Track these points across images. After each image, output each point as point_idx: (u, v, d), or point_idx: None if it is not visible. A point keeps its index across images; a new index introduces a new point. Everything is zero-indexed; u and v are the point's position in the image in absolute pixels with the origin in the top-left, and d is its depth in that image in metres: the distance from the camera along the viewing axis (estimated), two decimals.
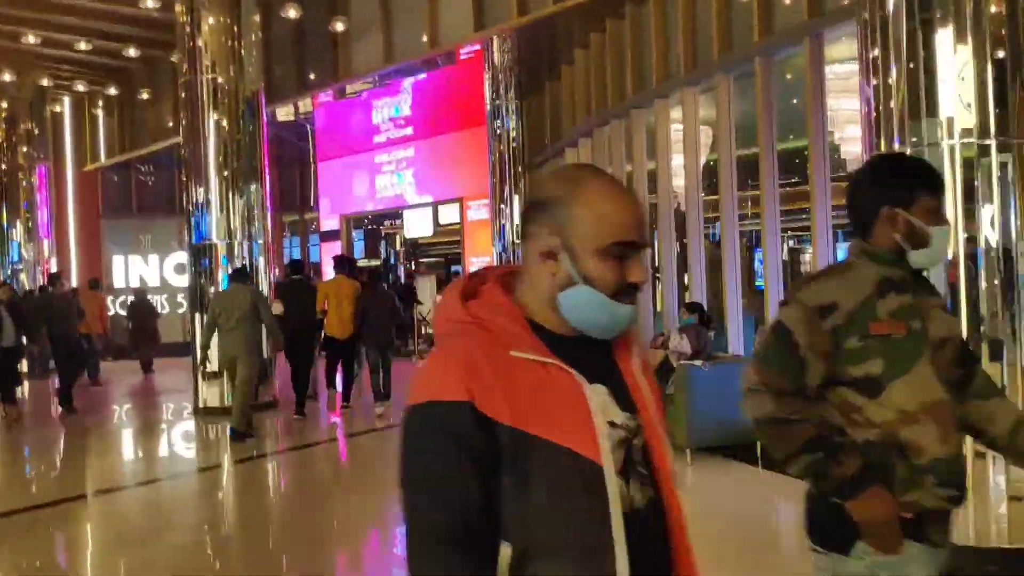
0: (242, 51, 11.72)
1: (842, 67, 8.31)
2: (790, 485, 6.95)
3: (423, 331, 18.01)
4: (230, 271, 10.45)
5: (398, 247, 22.84)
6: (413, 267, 22.54)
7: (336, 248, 19.98)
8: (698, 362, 7.52)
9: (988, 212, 4.63)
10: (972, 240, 4.65)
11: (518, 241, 14.61)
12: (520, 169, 14.68)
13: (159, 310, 18.12)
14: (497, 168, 14.92)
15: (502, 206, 14.77)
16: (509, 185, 14.67)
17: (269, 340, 9.63)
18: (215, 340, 9.04)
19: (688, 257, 9.44)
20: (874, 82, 5.01)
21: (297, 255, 21.75)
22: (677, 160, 10.84)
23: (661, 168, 9.82)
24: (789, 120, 10.02)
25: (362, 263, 21.90)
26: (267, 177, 11.94)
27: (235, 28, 11.63)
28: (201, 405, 11.13)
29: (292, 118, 21.16)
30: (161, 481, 8.20)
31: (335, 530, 6.45)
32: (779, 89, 8.20)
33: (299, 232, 22.27)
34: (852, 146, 8.40)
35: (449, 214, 18.26)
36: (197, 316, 10.93)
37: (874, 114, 5.08)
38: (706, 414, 7.36)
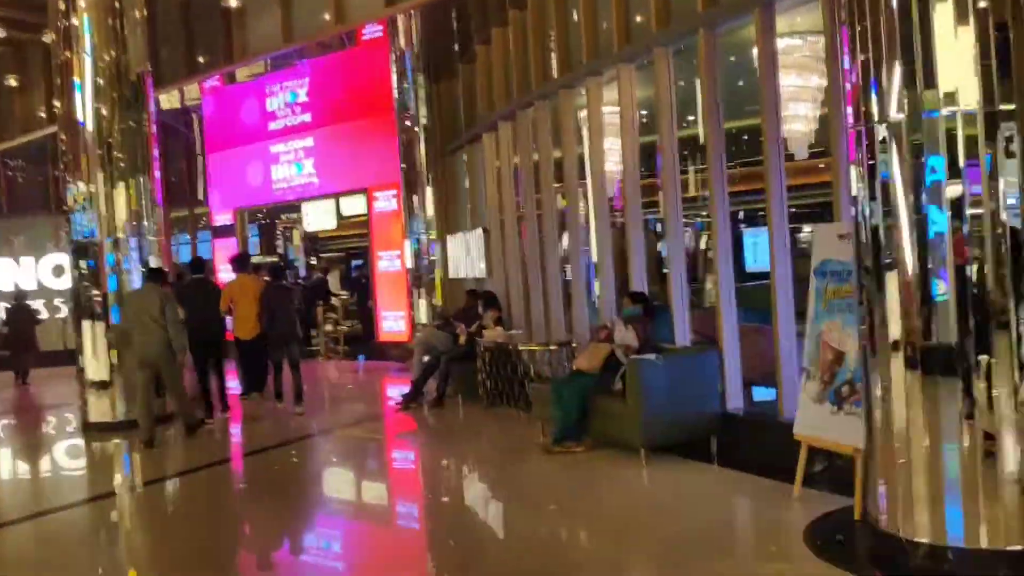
0: (125, 30, 10.69)
1: (784, 42, 7.96)
2: (751, 484, 6.65)
3: (333, 329, 17.12)
4: (144, 270, 10.02)
5: (296, 242, 21.76)
6: (316, 262, 21.51)
7: (230, 245, 18.83)
8: (651, 356, 7.00)
9: (1000, 185, 4.24)
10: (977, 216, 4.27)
11: (432, 233, 13.89)
12: (433, 157, 13.94)
13: (40, 316, 16.88)
14: (407, 156, 14.14)
15: (414, 197, 14.00)
16: (421, 174, 13.92)
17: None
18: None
19: (627, 246, 8.96)
20: (861, 56, 4.58)
21: (187, 253, 20.44)
22: (612, 143, 10.32)
23: (594, 152, 9.31)
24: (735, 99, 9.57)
25: (257, 260, 20.82)
26: (156, 168, 10.95)
27: (116, 4, 10.58)
28: (90, 420, 10.09)
29: (178, 106, 19.80)
30: (52, 514, 7.17)
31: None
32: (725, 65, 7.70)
33: (188, 228, 20.92)
34: (795, 124, 8.06)
35: (353, 206, 17.33)
36: (87, 322, 9.94)
37: (857, 87, 4.66)
38: (661, 411, 6.86)
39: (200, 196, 19.84)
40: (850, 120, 4.78)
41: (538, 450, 7.58)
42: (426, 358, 10.75)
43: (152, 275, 9.35)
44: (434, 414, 9.95)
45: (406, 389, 10.44)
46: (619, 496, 6.37)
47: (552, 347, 9.00)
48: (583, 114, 9.44)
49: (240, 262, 10.89)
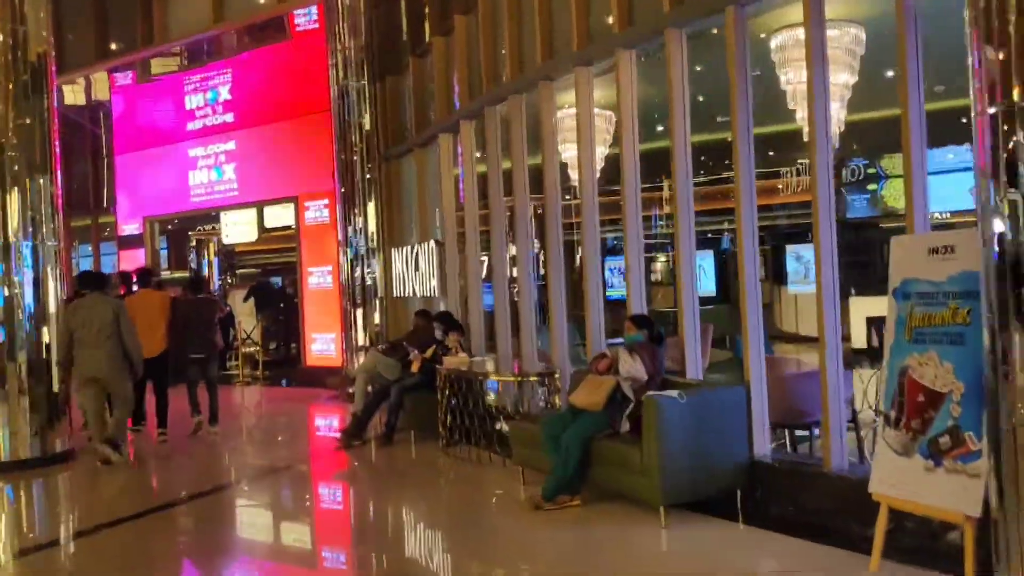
0: (24, 6, 9.16)
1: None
2: (804, 552, 5.41)
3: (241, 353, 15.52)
4: (77, 276, 9.46)
5: (211, 256, 20.02)
6: (230, 280, 19.81)
7: (136, 256, 17.05)
8: (673, 392, 5.82)
9: None
10: None
11: (373, 246, 12.51)
12: (375, 162, 12.59)
13: None
14: (344, 161, 12.76)
15: (352, 208, 12.61)
16: (360, 181, 12.55)
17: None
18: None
19: (584, 266, 7.86)
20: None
21: (88, 267, 18.52)
22: (569, 153, 9.30)
23: (547, 162, 8.22)
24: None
25: (164, 276, 19.02)
26: (59, 167, 9.38)
27: None
28: None
29: (83, 101, 17.95)
30: None
31: None
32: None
33: (91, 239, 18.97)
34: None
35: (278, 216, 15.83)
36: None
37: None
38: (682, 459, 5.69)
39: (106, 204, 17.97)
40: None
41: (522, 505, 6.29)
42: (370, 388, 9.40)
43: (92, 282, 8.60)
44: (383, 453, 8.58)
45: (340, 422, 9.07)
46: (637, 566, 5.15)
47: (531, 378, 7.73)
48: (565, 112, 8.30)
49: (142, 276, 10.09)
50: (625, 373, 6.12)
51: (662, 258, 19.92)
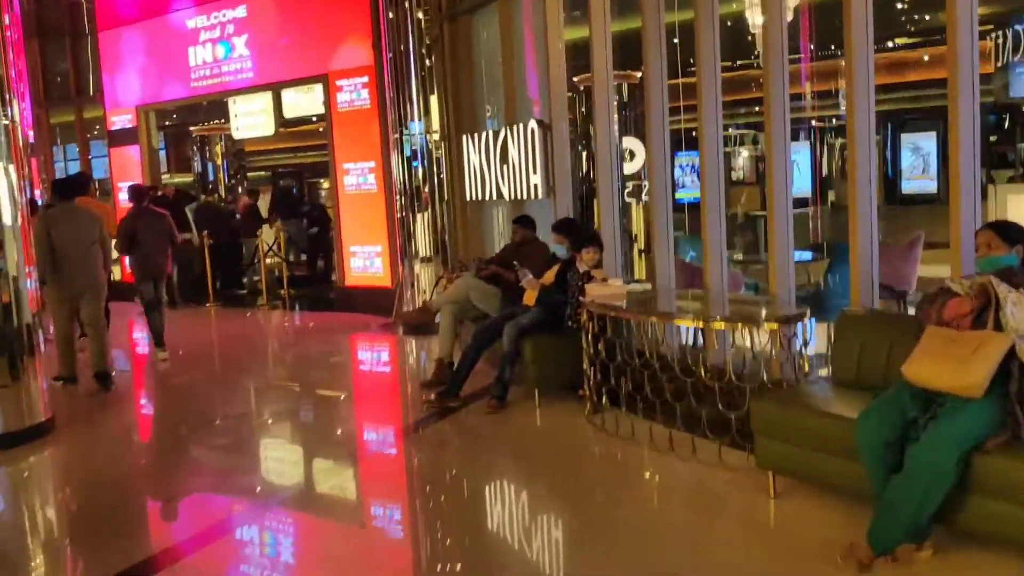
0: None
1: None
2: None
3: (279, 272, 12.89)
4: (56, 180, 8.38)
5: (219, 156, 17.12)
6: (245, 185, 16.97)
7: (130, 156, 14.19)
8: None
9: None
10: None
11: (437, 139, 9.62)
12: (434, 22, 9.60)
13: None
14: (389, 25, 9.77)
15: (405, 85, 9.68)
16: (416, 47, 9.60)
17: None
18: None
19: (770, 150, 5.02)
20: None
21: (76, 169, 15.69)
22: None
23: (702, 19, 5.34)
24: None
25: (165, 179, 16.19)
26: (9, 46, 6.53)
27: None
28: None
29: None
30: None
31: None
32: None
33: (77, 137, 16.01)
34: None
35: (301, 103, 12.92)
36: None
37: None
38: None
39: (92, 91, 14.95)
40: None
41: (813, 553, 3.64)
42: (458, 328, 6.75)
43: (74, 188, 7.74)
44: (498, 424, 5.91)
45: (416, 370, 6.47)
46: None
47: (774, 327, 4.83)
48: None
49: (72, 185, 7.93)
50: (1016, 321, 3.39)
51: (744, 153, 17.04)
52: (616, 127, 6.80)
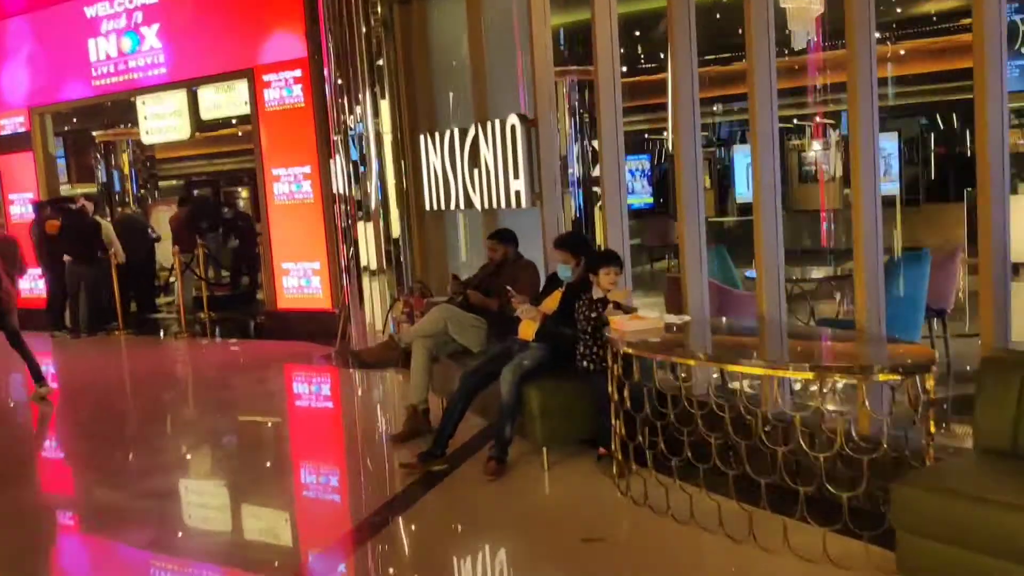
0: None
1: None
2: None
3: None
4: None
5: (125, 164, 15.46)
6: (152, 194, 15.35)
7: (22, 164, 12.50)
8: None
9: None
10: None
11: (387, 135, 8.32)
12: (379, 8, 8.30)
13: None
14: (330, 11, 8.44)
15: (349, 78, 8.35)
16: (360, 35, 8.28)
17: None
18: None
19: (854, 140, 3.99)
20: None
21: None
22: None
23: None
24: None
25: (65, 190, 14.43)
26: None
27: None
28: None
29: None
30: None
31: None
32: None
33: None
34: None
35: (222, 103, 11.44)
36: None
37: None
38: None
39: None
40: None
41: None
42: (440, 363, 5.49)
43: None
44: (502, 495, 4.67)
45: (380, 419, 5.20)
46: None
47: (884, 377, 3.57)
48: None
49: None
50: None
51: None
52: (621, 123, 5.64)
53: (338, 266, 9.15)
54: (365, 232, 8.37)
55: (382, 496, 4.89)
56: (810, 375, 3.66)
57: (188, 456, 6.10)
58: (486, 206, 6.92)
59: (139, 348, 10.57)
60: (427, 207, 7.79)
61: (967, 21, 10.42)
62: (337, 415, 7.16)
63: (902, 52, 13.15)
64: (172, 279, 12.17)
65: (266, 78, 9.94)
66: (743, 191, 16.37)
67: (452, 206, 7.41)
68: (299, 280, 10.09)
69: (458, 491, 4.76)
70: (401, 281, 8.21)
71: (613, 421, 4.55)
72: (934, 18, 12.63)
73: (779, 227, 4.81)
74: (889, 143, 14.86)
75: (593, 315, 4.89)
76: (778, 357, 4.21)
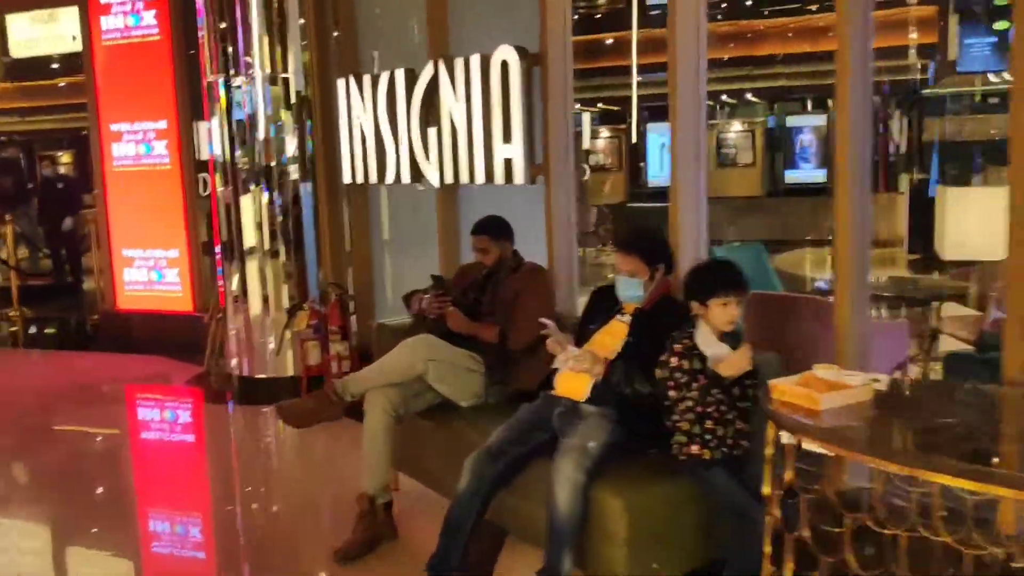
0: None
1: None
2: None
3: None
4: None
5: None
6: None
7: None
8: None
9: None
10: None
11: (294, 88, 6.00)
12: None
13: None
14: None
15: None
16: None
17: None
18: None
19: None
20: None
21: None
22: None
23: None
24: None
25: None
26: None
27: None
28: None
29: None
30: None
31: None
32: None
33: None
34: None
35: (39, 38, 8.77)
36: None
37: None
38: None
39: None
40: None
41: None
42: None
43: None
44: None
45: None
46: None
47: None
48: None
49: None
50: None
51: None
52: (704, 76, 3.71)
53: (210, 256, 6.79)
54: (252, 212, 6.04)
55: None
56: None
57: None
58: (448, 180, 4.80)
59: None
60: (347, 179, 5.58)
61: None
62: (226, 500, 4.62)
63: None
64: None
65: (104, 1, 7.38)
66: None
67: (389, 179, 5.23)
68: (148, 272, 7.61)
69: None
70: (304, 281, 5.97)
71: (765, 548, 2.61)
72: None
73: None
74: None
75: (698, 368, 2.91)
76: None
